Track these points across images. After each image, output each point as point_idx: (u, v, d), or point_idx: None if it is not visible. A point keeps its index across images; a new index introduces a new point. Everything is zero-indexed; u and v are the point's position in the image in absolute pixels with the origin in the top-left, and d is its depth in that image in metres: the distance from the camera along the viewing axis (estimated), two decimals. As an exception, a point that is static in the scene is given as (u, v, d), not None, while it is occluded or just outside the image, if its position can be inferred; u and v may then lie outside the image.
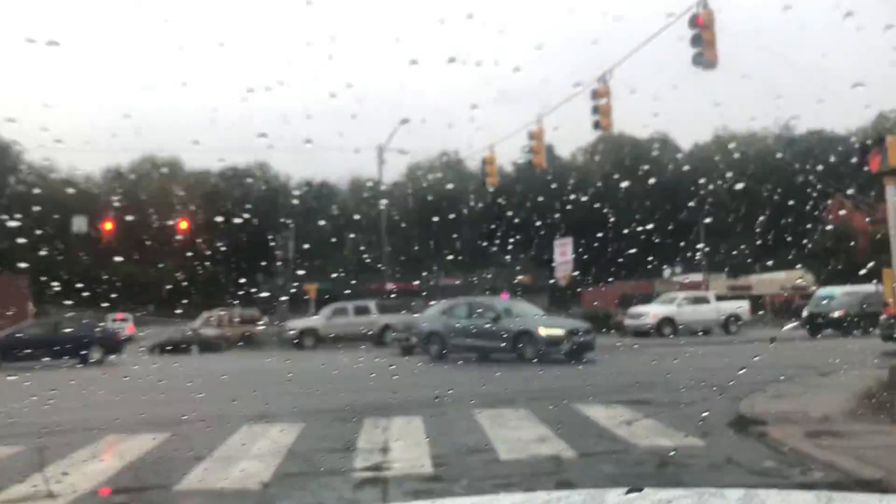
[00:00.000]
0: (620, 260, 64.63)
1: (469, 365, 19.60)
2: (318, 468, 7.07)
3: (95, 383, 17.89)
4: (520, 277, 78.50)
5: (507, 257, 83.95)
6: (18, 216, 65.19)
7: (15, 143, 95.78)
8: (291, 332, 33.27)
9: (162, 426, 9.19)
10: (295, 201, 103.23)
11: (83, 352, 23.98)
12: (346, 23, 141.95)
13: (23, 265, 68.78)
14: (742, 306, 36.56)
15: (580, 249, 52.95)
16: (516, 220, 74.75)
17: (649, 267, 54.75)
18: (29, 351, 22.47)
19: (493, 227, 78.84)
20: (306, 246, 77.35)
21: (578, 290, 51.10)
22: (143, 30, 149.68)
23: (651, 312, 32.98)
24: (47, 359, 23.16)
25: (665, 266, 60.85)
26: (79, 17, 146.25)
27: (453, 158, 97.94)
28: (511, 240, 77.87)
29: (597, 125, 19.87)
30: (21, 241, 64.95)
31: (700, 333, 31.71)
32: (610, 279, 50.84)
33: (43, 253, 69.66)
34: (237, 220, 78.22)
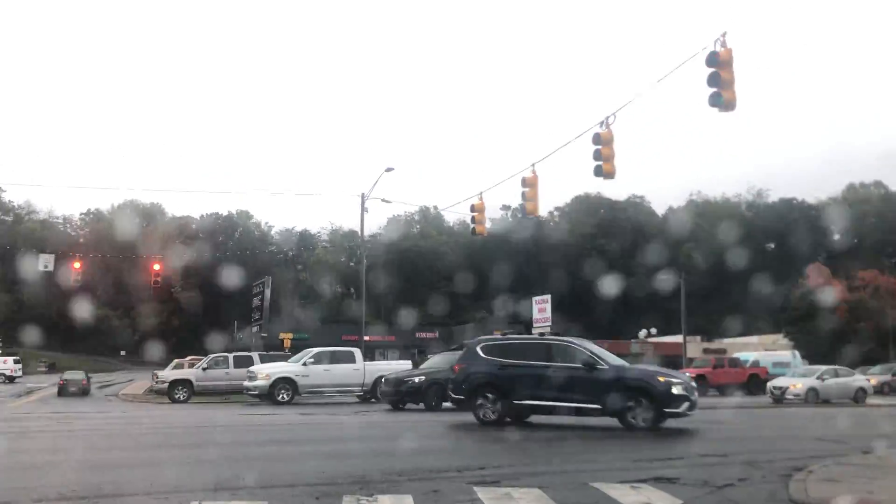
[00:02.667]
0: (595, 318, 63.22)
1: (458, 425, 17.71)
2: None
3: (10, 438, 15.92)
4: (496, 332, 77.01)
5: (484, 312, 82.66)
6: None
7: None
8: (162, 384, 31.12)
9: (86, 500, 7.41)
10: (274, 248, 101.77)
11: None
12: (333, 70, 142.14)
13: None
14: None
15: (557, 307, 51.93)
16: (495, 276, 73.84)
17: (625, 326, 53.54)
18: None
19: (469, 281, 77.86)
20: (284, 294, 75.46)
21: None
22: (130, 74, 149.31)
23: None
24: None
25: (642, 327, 59.90)
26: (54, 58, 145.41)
27: (432, 213, 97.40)
28: (488, 294, 76.63)
29: (598, 171, 18.56)
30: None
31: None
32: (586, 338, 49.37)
33: (12, 293, 67.44)
34: (215, 267, 76.55)
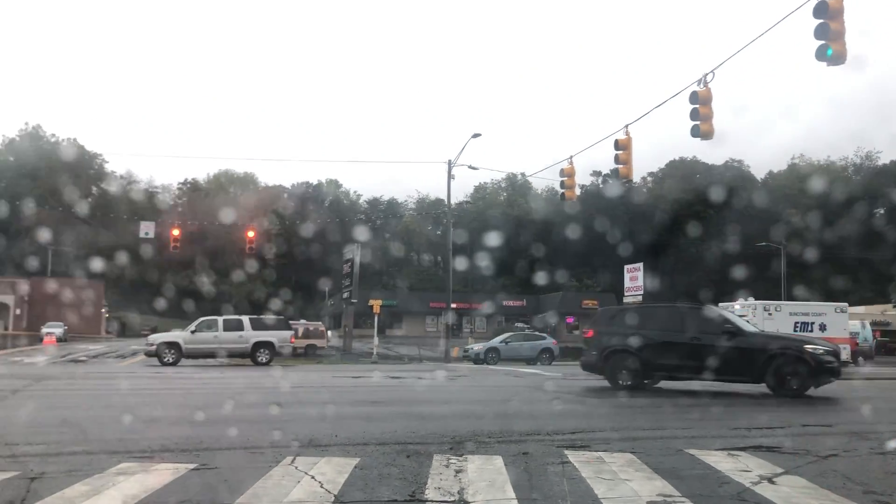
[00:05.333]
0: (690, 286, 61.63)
1: (547, 387, 17.65)
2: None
3: (114, 393, 16.70)
4: (586, 302, 76.13)
5: (573, 280, 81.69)
6: (96, 224, 66.69)
7: (97, 154, 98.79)
8: (151, 347, 30.87)
9: (188, 453, 7.67)
10: (362, 216, 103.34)
11: None
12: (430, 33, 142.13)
13: (98, 270, 70.04)
14: None
15: (650, 274, 50.80)
16: (584, 243, 72.65)
17: (721, 293, 51.88)
18: None
19: (557, 249, 76.93)
20: (373, 262, 76.70)
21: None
22: (221, 48, 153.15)
23: None
24: None
25: (740, 292, 57.77)
26: (155, 33, 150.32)
27: (519, 180, 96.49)
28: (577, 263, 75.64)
29: (696, 131, 17.88)
30: (99, 247, 66.19)
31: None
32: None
33: (117, 259, 71.00)
34: (305, 235, 78.32)
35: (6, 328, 72.72)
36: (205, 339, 30.66)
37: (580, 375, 19.51)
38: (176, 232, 40.92)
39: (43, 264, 76.32)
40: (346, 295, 50.27)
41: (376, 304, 41.84)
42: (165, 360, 29.64)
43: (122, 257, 71.83)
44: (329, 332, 51.89)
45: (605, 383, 17.58)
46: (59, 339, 55.21)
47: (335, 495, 5.86)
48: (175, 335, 31.63)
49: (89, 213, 76.34)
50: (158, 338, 31.56)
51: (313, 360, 38.30)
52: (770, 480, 6.79)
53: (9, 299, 74.10)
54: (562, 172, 26.02)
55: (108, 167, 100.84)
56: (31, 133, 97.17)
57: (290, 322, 47.60)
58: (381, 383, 20.63)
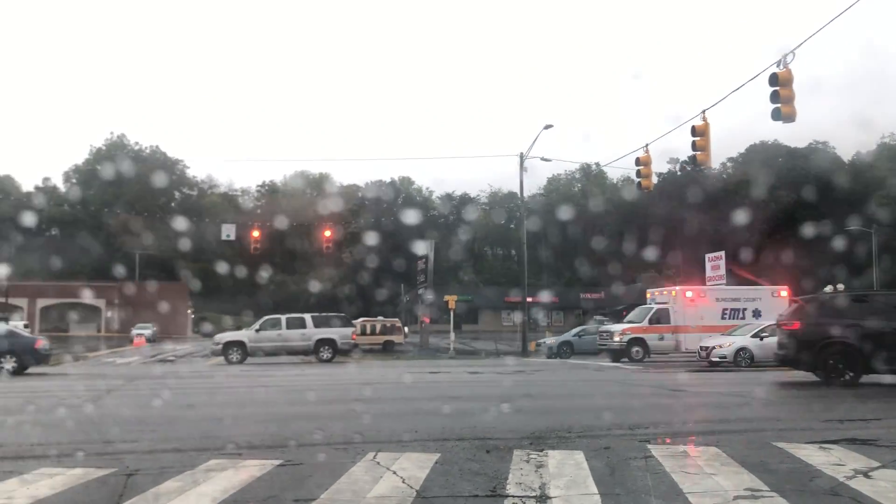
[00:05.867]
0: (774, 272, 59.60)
1: (625, 380, 17.40)
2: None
3: (201, 391, 17.20)
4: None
5: (651, 271, 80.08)
6: (180, 228, 69.06)
7: (179, 160, 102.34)
8: (217, 346, 30.76)
9: (273, 449, 7.86)
10: (435, 212, 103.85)
11: None
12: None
13: (182, 272, 72.38)
14: None
15: (733, 263, 49.27)
16: (662, 232, 71.13)
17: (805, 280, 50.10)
18: None
19: (634, 239, 75.50)
20: (447, 257, 76.94)
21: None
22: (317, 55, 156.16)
23: None
24: None
25: (827, 282, 55.46)
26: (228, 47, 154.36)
27: (594, 170, 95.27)
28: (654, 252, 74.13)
29: (776, 114, 17.26)
30: (183, 250, 68.37)
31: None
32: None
33: (201, 261, 73.30)
34: (380, 232, 79.30)
35: (98, 330, 76.18)
36: (269, 337, 31.22)
37: (664, 367, 19.16)
38: (256, 233, 41.98)
39: (130, 268, 79.53)
40: (421, 291, 50.69)
41: (451, 299, 41.95)
42: (231, 359, 30.15)
43: (206, 259, 74.18)
44: (405, 328, 52.38)
45: (682, 376, 17.17)
46: (149, 340, 57.40)
47: (417, 490, 5.91)
48: (240, 334, 32.34)
49: (173, 217, 79.09)
50: (224, 337, 32.18)
51: (391, 356, 38.74)
52: (865, 475, 6.52)
53: (100, 303, 77.57)
54: (637, 161, 25.53)
55: (190, 172, 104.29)
56: (115, 142, 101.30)
57: (366, 319, 48.42)
58: (458, 378, 20.71)
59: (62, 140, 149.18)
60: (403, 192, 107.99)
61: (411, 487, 5.99)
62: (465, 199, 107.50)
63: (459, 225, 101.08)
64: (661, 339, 30.83)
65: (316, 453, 7.63)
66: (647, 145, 25.47)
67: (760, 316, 29.98)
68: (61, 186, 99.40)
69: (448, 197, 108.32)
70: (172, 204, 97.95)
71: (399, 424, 9.98)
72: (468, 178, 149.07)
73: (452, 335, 41.90)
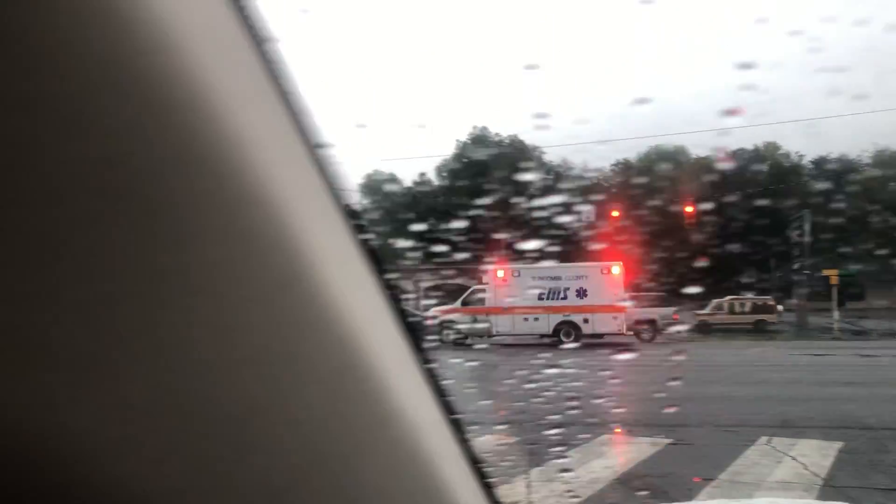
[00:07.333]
0: None
1: None
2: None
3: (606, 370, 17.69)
4: None
5: None
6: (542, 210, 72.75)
7: (536, 147, 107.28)
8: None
9: (661, 428, 8.02)
10: (808, 178, 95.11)
11: None
12: None
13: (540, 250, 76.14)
14: None
15: None
16: None
17: None
18: None
19: None
20: (824, 229, 70.47)
21: None
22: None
23: None
24: None
25: None
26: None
27: None
28: None
29: None
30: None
31: None
32: None
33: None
34: (746, 205, 74.97)
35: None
36: None
37: None
38: (615, 213, 42.43)
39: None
40: (796, 265, 47.12)
41: (832, 274, 38.30)
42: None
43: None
44: (779, 307, 48.92)
45: None
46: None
47: (823, 478, 5.65)
48: None
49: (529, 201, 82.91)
50: None
51: (764, 337, 36.55)
52: None
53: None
54: None
55: (546, 157, 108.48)
56: (478, 135, 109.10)
57: (734, 298, 46.05)
58: (849, 362, 18.91)
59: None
60: (769, 159, 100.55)
61: (816, 475, 5.74)
62: (844, 161, 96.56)
63: (839, 190, 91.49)
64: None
65: (704, 434, 7.67)
66: None
67: (586, 296, 27.55)
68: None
69: (822, 160, 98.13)
70: (528, 192, 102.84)
71: (789, 409, 9.52)
72: (848, 137, 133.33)
73: (836, 314, 38.27)
